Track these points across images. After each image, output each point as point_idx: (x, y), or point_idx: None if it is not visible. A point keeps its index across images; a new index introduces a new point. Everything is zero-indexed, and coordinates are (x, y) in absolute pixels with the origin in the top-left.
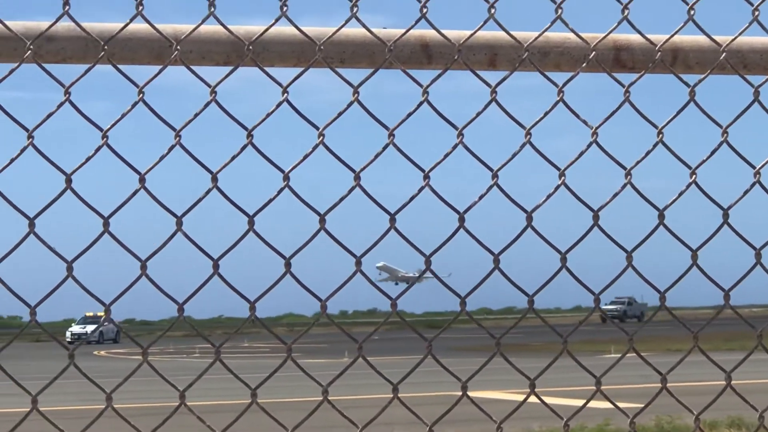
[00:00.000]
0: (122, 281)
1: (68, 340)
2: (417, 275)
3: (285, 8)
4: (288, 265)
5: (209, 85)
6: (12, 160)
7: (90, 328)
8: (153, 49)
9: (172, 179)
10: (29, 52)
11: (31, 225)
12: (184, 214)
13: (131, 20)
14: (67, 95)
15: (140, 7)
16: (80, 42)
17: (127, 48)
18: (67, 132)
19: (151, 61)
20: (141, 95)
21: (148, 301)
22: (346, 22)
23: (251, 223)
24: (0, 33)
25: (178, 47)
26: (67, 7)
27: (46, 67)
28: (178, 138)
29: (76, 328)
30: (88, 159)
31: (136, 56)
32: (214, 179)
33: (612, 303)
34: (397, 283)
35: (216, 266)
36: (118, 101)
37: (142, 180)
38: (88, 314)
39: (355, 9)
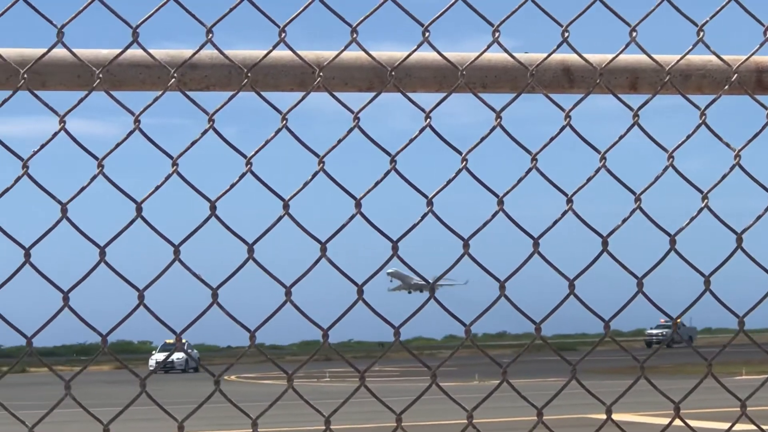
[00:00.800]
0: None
1: (151, 367)
2: (431, 283)
3: (427, 34)
4: (432, 290)
5: (352, 111)
6: (157, 188)
7: (175, 355)
8: (296, 75)
9: (315, 204)
10: (173, 80)
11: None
12: (329, 240)
13: (274, 47)
14: (211, 122)
15: (282, 34)
16: (224, 69)
17: (270, 75)
18: (209, 158)
19: (294, 88)
20: (284, 122)
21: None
22: (488, 47)
23: (395, 248)
24: (144, 61)
25: (321, 73)
26: (211, 35)
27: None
28: (321, 164)
29: (159, 356)
30: (232, 186)
31: (279, 83)
32: (358, 205)
33: (658, 327)
34: (410, 292)
35: (360, 292)
36: (248, 125)
37: (286, 206)
38: (168, 341)
39: (496, 34)
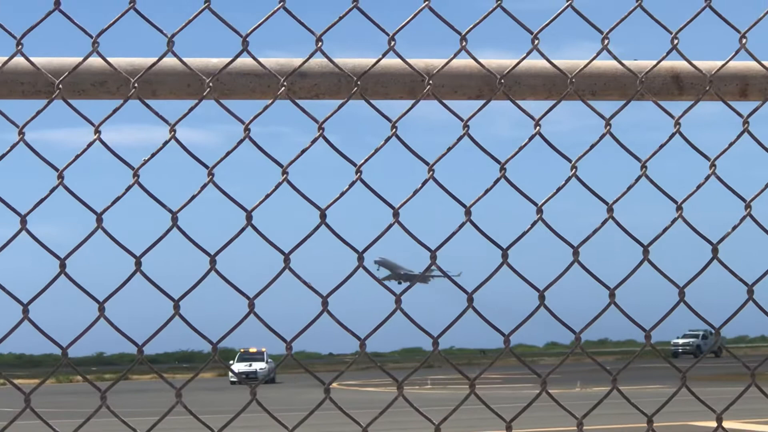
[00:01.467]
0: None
1: (232, 379)
2: (422, 273)
3: (536, 41)
4: (542, 297)
5: (461, 119)
6: (267, 196)
7: (257, 365)
8: (405, 83)
9: (425, 212)
10: (283, 88)
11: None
12: (438, 248)
13: (383, 55)
14: (321, 131)
15: (392, 42)
16: (333, 78)
17: (380, 83)
18: (321, 168)
19: (403, 96)
20: (394, 130)
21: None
22: (598, 54)
23: (504, 256)
24: (254, 70)
25: (431, 81)
26: (320, 44)
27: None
28: (431, 172)
29: (241, 366)
30: (342, 194)
31: (389, 91)
32: (468, 212)
33: (685, 336)
34: (400, 282)
35: (470, 300)
36: (345, 134)
37: (395, 214)
38: (248, 350)
39: (606, 41)
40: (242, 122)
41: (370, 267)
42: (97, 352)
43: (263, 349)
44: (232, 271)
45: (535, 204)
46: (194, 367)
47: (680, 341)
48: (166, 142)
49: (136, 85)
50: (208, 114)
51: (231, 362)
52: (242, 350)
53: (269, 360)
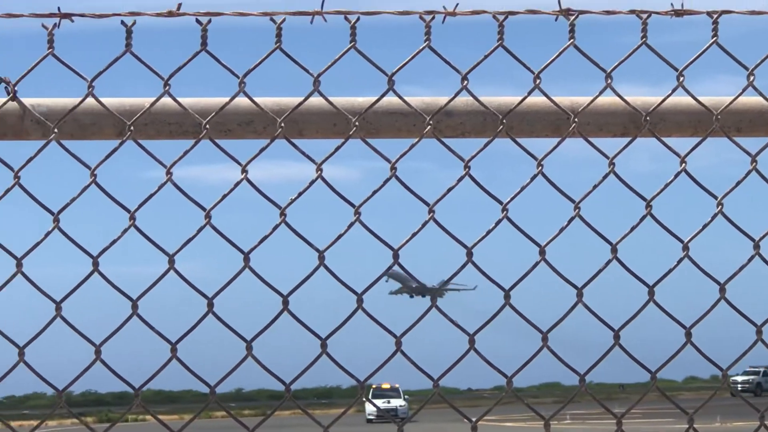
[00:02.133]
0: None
1: (370, 417)
2: (435, 287)
3: (681, 78)
4: (617, 337)
5: (607, 156)
6: (413, 235)
7: (395, 402)
8: (551, 121)
9: (571, 248)
10: (429, 127)
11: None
12: (585, 285)
13: (529, 93)
14: (467, 169)
15: (537, 81)
16: (479, 116)
17: (526, 121)
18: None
19: (548, 134)
20: (540, 167)
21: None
22: (743, 91)
23: (651, 293)
24: (400, 109)
25: (576, 119)
26: (466, 82)
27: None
28: (577, 210)
29: (379, 403)
30: (489, 232)
31: (534, 129)
32: (614, 250)
33: (745, 373)
34: (412, 296)
35: (617, 336)
36: (484, 170)
37: (542, 252)
38: (380, 386)
39: (751, 78)
40: (388, 161)
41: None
42: (236, 388)
43: (396, 386)
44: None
45: (681, 241)
46: (332, 402)
47: (739, 378)
48: (312, 181)
49: (282, 125)
50: (350, 151)
51: (363, 398)
52: (374, 386)
53: (405, 396)
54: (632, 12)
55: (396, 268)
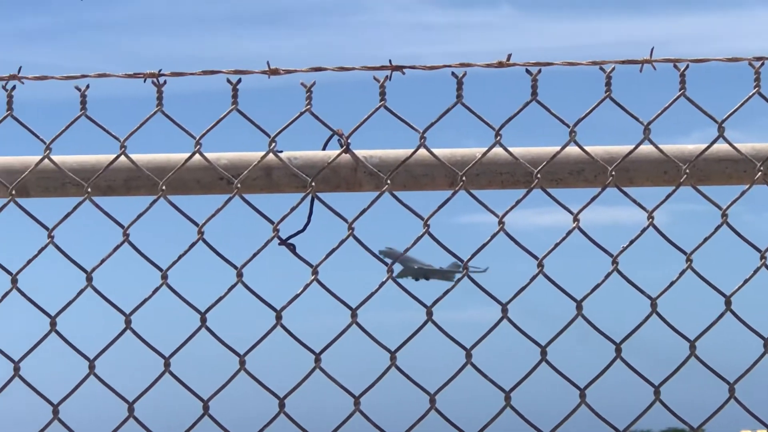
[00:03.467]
0: None
1: None
2: (444, 269)
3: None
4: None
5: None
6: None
7: None
8: None
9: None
10: (759, 173)
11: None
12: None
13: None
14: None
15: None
16: None
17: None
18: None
19: None
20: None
21: None
22: None
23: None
24: (729, 156)
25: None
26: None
27: None
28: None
29: None
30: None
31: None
32: (728, 302)
33: None
34: (417, 279)
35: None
36: None
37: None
38: None
39: None
40: (719, 208)
41: None
42: None
43: None
44: None
45: None
46: None
47: None
48: (644, 229)
49: (613, 173)
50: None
51: None
52: None
53: None
54: None
55: (393, 246)
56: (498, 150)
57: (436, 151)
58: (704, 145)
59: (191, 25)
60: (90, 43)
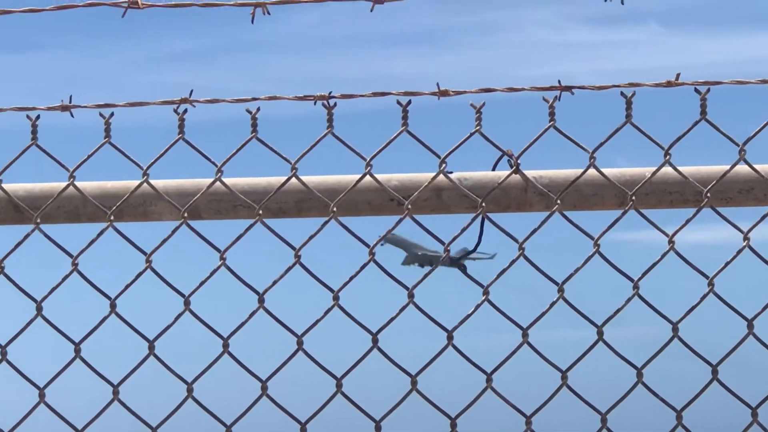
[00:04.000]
0: None
1: None
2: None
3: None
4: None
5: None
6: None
7: None
8: None
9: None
10: None
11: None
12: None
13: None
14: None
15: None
16: None
17: None
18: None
19: None
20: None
21: None
22: None
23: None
24: None
25: None
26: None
27: None
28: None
29: None
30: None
31: None
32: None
33: None
34: (423, 266)
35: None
36: None
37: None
38: None
39: None
40: None
41: None
42: None
43: None
44: None
45: None
46: None
47: None
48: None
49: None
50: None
51: None
52: None
53: None
54: None
55: (395, 231)
56: (666, 169)
57: (605, 170)
58: None
59: (339, 45)
60: (236, 64)
